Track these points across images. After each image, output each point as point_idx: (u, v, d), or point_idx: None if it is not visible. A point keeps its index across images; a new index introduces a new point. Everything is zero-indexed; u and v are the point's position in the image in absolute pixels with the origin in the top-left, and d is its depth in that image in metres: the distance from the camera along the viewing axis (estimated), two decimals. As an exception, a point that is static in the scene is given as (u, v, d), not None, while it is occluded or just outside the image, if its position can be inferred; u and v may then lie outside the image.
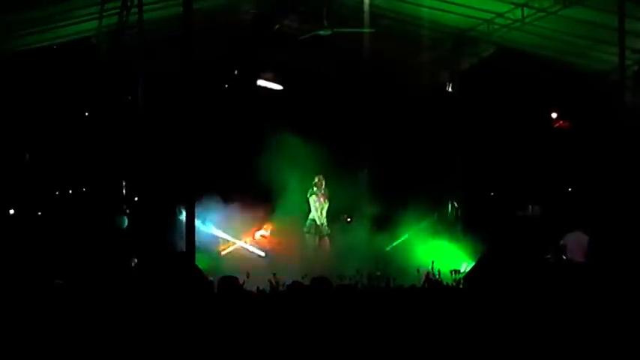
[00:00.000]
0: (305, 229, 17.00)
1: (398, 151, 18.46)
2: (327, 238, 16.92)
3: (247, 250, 17.92)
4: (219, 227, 17.58)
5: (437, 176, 19.04)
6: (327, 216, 17.07)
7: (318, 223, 16.85)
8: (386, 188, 18.16)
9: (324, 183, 16.99)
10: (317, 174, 17.04)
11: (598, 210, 17.20)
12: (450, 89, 19.81)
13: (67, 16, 15.27)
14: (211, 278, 10.46)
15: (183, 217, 14.37)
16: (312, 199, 16.91)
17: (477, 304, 8.56)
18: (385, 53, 18.95)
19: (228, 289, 9.08)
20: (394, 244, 17.48)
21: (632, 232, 13.38)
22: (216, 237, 17.50)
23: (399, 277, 11.84)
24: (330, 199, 17.05)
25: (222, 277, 9.81)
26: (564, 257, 15.32)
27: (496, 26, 17.59)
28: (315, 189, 16.95)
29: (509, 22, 17.06)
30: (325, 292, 8.60)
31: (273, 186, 17.38)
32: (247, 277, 10.74)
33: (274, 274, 11.07)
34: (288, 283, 9.71)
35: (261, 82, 20.31)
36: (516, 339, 7.51)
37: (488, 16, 17.40)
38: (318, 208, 16.89)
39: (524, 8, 16.36)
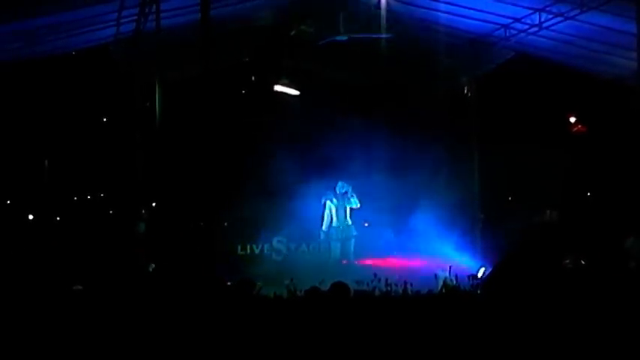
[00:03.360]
0: (327, 236, 16.97)
1: (415, 155, 18.41)
2: (352, 240, 16.86)
3: None
4: None
5: (456, 181, 18.99)
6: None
7: (339, 227, 16.80)
8: (405, 193, 18.14)
9: (345, 188, 16.95)
10: (332, 179, 17.04)
11: (617, 215, 17.13)
12: (467, 94, 19.78)
13: (84, 23, 15.35)
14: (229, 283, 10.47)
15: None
16: (329, 205, 16.87)
17: (494, 310, 8.53)
18: (402, 59, 18.97)
19: (242, 292, 9.08)
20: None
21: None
22: None
23: (416, 282, 11.82)
24: (359, 202, 16.99)
25: (241, 279, 9.80)
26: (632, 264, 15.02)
27: (513, 31, 17.55)
28: (332, 195, 16.90)
29: (527, 27, 17.02)
30: (343, 299, 8.59)
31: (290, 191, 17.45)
32: (264, 282, 10.74)
33: (292, 279, 11.08)
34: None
35: (278, 88, 20.35)
36: (535, 345, 7.48)
37: (505, 21, 17.37)
38: (336, 214, 16.84)
39: (542, 13, 16.31)
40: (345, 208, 16.74)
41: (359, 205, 16.68)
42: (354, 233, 16.88)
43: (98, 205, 20.07)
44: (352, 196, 16.67)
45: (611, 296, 8.79)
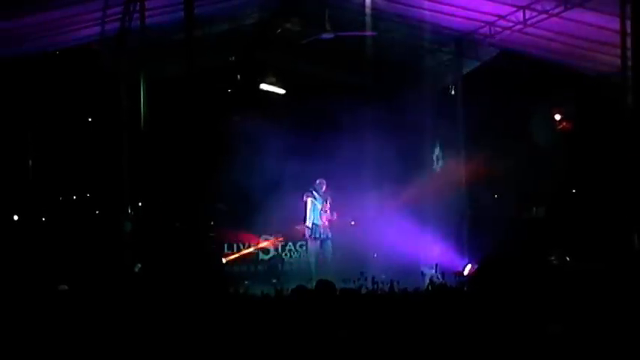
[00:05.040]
0: (308, 234, 16.98)
1: (401, 153, 18.43)
2: (329, 241, 16.89)
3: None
4: None
5: (443, 178, 19.02)
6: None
7: (319, 225, 16.81)
8: (392, 191, 18.16)
9: (325, 186, 16.97)
10: (318, 177, 17.04)
11: (602, 212, 17.20)
12: (452, 92, 19.81)
13: (68, 22, 15.29)
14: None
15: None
16: (310, 202, 16.87)
17: (480, 306, 8.56)
18: (387, 57, 18.99)
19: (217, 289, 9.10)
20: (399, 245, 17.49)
21: (635, 234, 13.34)
22: None
23: (403, 279, 11.84)
24: (334, 202, 17.03)
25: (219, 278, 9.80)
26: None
27: (498, 29, 17.58)
28: (314, 192, 16.92)
29: (512, 24, 17.05)
30: (329, 296, 8.59)
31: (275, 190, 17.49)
32: (248, 281, 10.77)
33: (278, 278, 11.11)
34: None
35: (263, 86, 20.34)
36: (520, 342, 7.50)
37: (490, 18, 17.40)
38: (318, 212, 16.85)
39: (526, 10, 16.34)
40: (327, 205, 16.80)
41: (322, 205, 16.75)
42: (329, 235, 16.91)
43: (84, 205, 19.98)
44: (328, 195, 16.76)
45: (597, 292, 8.82)
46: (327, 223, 16.82)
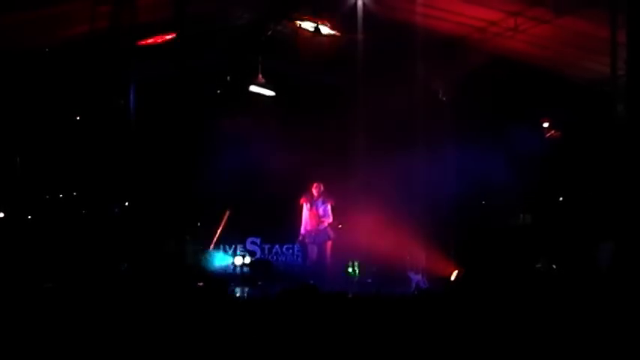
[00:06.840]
0: (304, 237, 16.96)
1: (390, 158, 18.41)
2: (329, 243, 16.84)
3: None
4: None
5: (431, 184, 19.00)
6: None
7: (315, 229, 16.78)
8: (380, 195, 18.14)
9: (321, 190, 16.93)
10: (314, 181, 17.02)
11: (588, 220, 17.23)
12: (442, 97, 19.82)
13: (58, 19, 15.24)
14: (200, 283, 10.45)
15: None
16: (306, 207, 16.87)
17: (466, 312, 8.56)
18: (378, 61, 18.98)
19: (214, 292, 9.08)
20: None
21: (622, 241, 13.39)
22: None
23: (389, 284, 11.84)
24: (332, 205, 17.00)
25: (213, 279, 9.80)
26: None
27: (489, 35, 17.59)
28: (311, 197, 16.89)
29: (503, 30, 17.07)
30: (313, 300, 8.59)
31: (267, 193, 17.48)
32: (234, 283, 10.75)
33: (264, 280, 11.10)
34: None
35: (253, 88, 20.30)
36: (506, 348, 7.51)
37: (481, 24, 17.42)
38: (311, 216, 16.82)
39: (518, 17, 16.37)
40: (319, 210, 16.76)
41: (329, 209, 16.74)
42: (331, 236, 16.88)
43: (70, 203, 19.89)
44: (325, 199, 16.71)
45: (580, 299, 8.84)
46: (322, 226, 16.80)
